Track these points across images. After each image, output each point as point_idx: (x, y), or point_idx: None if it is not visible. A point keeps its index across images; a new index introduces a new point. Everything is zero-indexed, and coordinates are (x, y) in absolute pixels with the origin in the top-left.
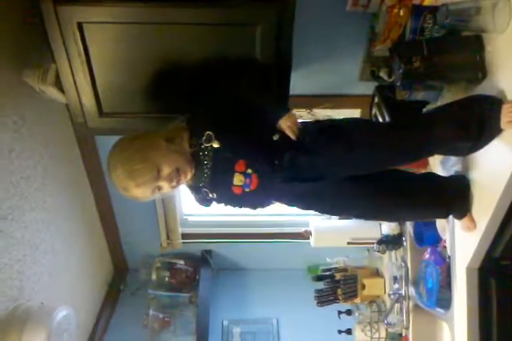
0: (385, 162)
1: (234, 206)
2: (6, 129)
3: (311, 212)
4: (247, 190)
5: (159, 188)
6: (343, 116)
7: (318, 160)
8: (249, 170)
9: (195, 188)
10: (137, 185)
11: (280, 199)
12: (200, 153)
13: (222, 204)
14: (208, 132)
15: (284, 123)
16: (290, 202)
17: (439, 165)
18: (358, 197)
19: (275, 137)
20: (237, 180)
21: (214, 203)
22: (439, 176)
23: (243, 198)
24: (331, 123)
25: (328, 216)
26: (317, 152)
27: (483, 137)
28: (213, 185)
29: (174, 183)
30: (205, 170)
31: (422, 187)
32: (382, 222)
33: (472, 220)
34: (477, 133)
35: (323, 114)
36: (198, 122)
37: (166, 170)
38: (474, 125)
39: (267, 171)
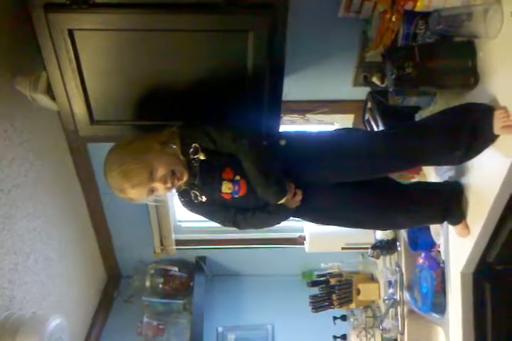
0: (374, 172)
1: (224, 216)
2: None
3: None
4: (236, 196)
5: (154, 190)
6: (336, 126)
7: (307, 169)
8: (238, 177)
9: (184, 192)
10: (132, 186)
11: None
12: (193, 161)
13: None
14: (194, 144)
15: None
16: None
17: (432, 171)
18: (351, 207)
19: (264, 143)
20: (226, 187)
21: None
22: (433, 183)
23: (233, 202)
24: (323, 132)
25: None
26: (307, 160)
27: (475, 146)
28: (203, 191)
29: (169, 185)
30: (196, 178)
31: (416, 194)
32: (377, 230)
33: (466, 226)
34: (468, 143)
35: (316, 119)
36: (187, 133)
37: (160, 172)
38: (466, 135)
39: None
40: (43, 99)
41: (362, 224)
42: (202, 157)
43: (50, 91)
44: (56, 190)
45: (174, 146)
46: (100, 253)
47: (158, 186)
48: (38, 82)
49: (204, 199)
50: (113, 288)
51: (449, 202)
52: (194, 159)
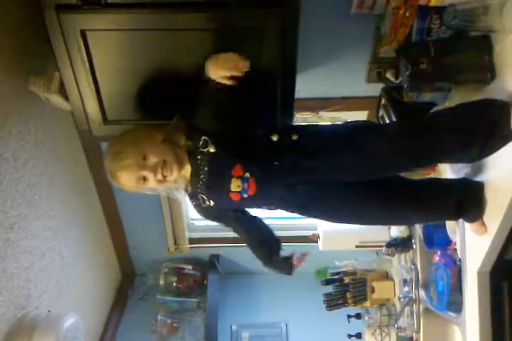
0: (389, 168)
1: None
2: (11, 138)
3: None
4: (245, 195)
5: (144, 179)
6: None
7: (320, 164)
8: (247, 174)
9: (193, 195)
10: (122, 168)
11: (282, 207)
12: (198, 157)
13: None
14: (204, 137)
15: (215, 74)
16: (293, 209)
17: (448, 169)
18: (364, 203)
19: (274, 138)
20: (235, 185)
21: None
22: (450, 179)
23: (242, 204)
24: (336, 126)
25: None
26: (320, 155)
27: (491, 144)
28: (210, 191)
29: (159, 176)
30: (201, 176)
31: (431, 189)
32: (390, 225)
33: (483, 224)
34: (484, 141)
35: (330, 116)
36: (193, 127)
37: (151, 159)
38: (482, 132)
39: (265, 174)
40: (57, 99)
41: (375, 220)
42: (212, 149)
43: (63, 92)
44: (70, 190)
45: (176, 141)
46: (115, 252)
47: (148, 175)
48: (51, 82)
49: (212, 203)
50: (127, 287)
51: (465, 199)
52: (204, 153)
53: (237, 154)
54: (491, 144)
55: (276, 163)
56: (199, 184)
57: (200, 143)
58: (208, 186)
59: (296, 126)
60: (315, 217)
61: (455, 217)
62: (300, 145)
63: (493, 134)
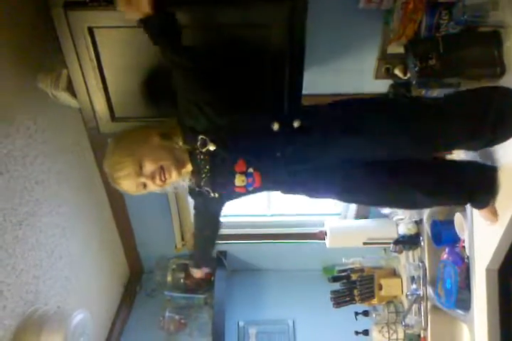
0: (396, 154)
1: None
2: (19, 135)
3: (327, 211)
4: (250, 188)
5: (144, 185)
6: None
7: (325, 152)
8: (251, 169)
9: (194, 192)
10: (120, 178)
11: (289, 192)
12: (198, 157)
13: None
14: (201, 136)
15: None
16: (300, 193)
17: (461, 153)
18: (371, 183)
19: (275, 127)
20: (239, 180)
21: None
22: (461, 160)
23: (248, 194)
24: (341, 106)
25: (344, 213)
26: (324, 143)
27: (500, 132)
28: (214, 186)
29: (158, 181)
30: (203, 175)
31: (442, 171)
32: (396, 208)
33: (495, 212)
34: (494, 127)
35: None
36: (190, 128)
37: (148, 167)
38: (492, 121)
39: (269, 166)
40: (64, 97)
41: (386, 202)
42: (212, 147)
43: (71, 89)
44: (78, 187)
45: (175, 139)
46: (123, 249)
47: (147, 182)
48: (59, 79)
49: (216, 195)
50: (135, 283)
51: (478, 182)
52: (203, 152)
53: (238, 149)
54: (501, 132)
55: (278, 154)
56: (203, 181)
57: (199, 142)
58: (212, 182)
59: (298, 110)
60: (324, 198)
61: (466, 200)
62: (302, 132)
63: (503, 122)
